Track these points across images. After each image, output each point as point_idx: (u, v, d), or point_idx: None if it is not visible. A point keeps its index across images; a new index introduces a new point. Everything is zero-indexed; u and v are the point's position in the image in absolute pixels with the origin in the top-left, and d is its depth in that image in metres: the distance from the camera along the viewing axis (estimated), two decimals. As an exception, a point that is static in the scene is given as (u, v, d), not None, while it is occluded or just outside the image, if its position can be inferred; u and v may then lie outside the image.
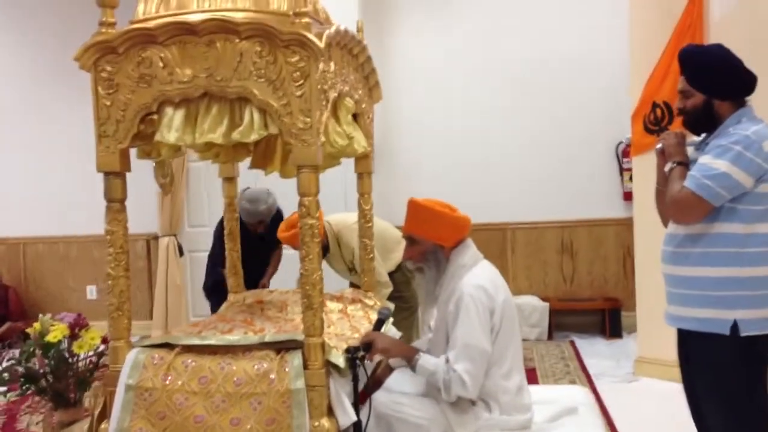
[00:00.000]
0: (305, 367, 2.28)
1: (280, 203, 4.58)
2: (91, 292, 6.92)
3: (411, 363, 2.61)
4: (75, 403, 3.46)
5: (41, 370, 3.36)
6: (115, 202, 2.41)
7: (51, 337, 3.33)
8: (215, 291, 4.54)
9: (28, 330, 3.53)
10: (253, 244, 4.12)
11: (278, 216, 4.52)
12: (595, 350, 5.66)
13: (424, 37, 6.52)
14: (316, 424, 2.25)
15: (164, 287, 6.40)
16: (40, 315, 3.52)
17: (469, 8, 6.44)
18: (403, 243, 4.39)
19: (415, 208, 2.79)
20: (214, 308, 4.58)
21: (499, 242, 6.35)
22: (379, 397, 2.64)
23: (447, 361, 2.56)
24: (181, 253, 6.48)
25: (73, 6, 6.49)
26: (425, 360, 2.59)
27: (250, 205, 4.22)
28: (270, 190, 4.44)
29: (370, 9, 6.05)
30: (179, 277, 6.43)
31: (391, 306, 3.10)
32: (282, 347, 2.36)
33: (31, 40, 6.94)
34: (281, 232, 3.86)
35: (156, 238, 6.39)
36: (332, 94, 2.48)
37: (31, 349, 3.38)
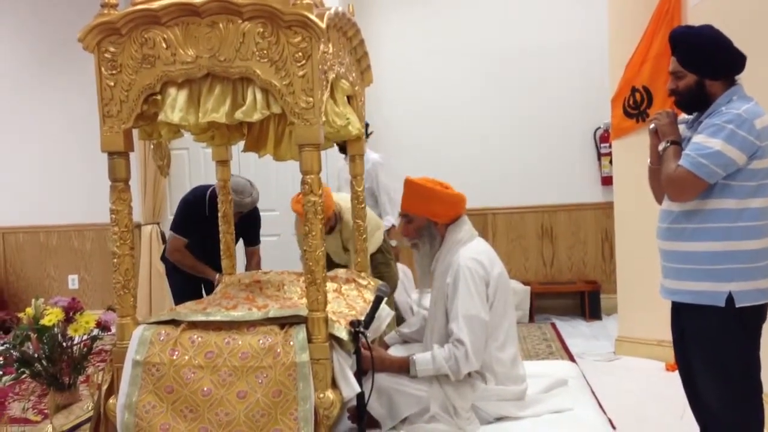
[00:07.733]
0: (309, 340, 2.33)
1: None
2: (73, 281, 6.88)
3: (410, 373, 2.67)
4: (70, 387, 3.49)
5: (35, 354, 3.38)
6: (120, 181, 2.43)
7: (46, 321, 3.34)
8: (174, 271, 4.45)
9: (20, 315, 3.54)
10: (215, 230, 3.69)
11: (255, 210, 4.36)
12: (576, 331, 5.79)
13: (403, 25, 6.57)
14: (321, 395, 2.31)
15: (148, 275, 6.39)
16: (33, 299, 3.53)
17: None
18: (382, 226, 4.52)
19: (410, 186, 2.89)
20: (176, 293, 4.49)
21: (480, 227, 6.40)
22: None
23: (446, 341, 2.64)
24: (164, 240, 6.44)
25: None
26: (422, 363, 2.66)
27: (236, 196, 3.96)
28: (252, 182, 4.22)
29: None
30: (163, 265, 6.39)
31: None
32: (285, 322, 2.41)
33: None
34: (296, 203, 3.79)
35: (139, 226, 6.38)
36: (331, 75, 2.53)
37: (25, 333, 3.40)
